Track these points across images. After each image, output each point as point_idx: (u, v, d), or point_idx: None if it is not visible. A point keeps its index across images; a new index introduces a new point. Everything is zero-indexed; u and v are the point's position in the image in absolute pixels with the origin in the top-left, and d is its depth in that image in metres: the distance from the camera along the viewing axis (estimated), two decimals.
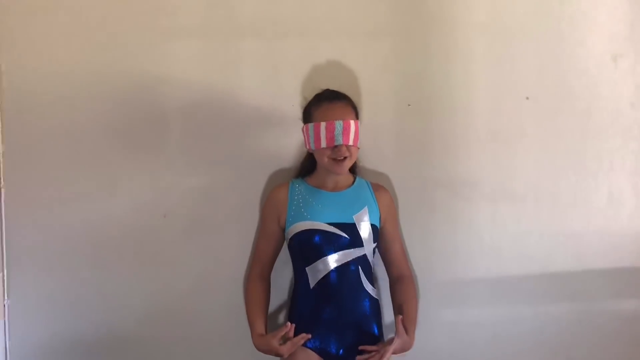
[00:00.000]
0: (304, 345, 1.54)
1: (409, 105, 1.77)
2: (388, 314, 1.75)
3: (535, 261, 1.82)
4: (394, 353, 1.51)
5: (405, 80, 1.77)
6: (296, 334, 1.53)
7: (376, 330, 1.63)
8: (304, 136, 1.63)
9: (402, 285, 1.67)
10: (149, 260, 1.76)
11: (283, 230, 1.65)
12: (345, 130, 1.53)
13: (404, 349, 1.55)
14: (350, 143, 1.55)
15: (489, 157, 1.79)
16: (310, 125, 1.57)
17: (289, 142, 1.75)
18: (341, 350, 1.58)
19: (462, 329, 1.82)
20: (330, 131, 1.53)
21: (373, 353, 1.50)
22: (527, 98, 1.79)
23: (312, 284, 1.59)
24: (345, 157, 1.56)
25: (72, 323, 1.77)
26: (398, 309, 1.63)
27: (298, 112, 1.71)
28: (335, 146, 1.54)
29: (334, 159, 1.56)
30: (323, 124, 1.53)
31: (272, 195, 1.68)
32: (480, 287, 1.81)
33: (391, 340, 1.51)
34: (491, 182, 1.80)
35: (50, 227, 1.74)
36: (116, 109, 1.73)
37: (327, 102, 1.58)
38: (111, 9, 1.71)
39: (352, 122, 1.54)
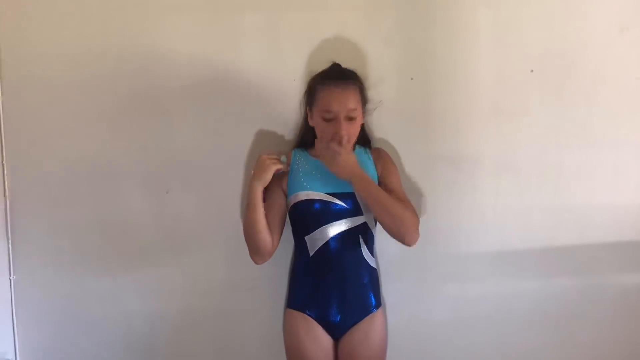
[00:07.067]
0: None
1: (412, 78, 1.74)
2: (386, 284, 1.77)
3: (538, 235, 1.81)
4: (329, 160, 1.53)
5: (409, 54, 1.75)
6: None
7: (373, 300, 1.64)
8: (307, 110, 1.62)
9: None
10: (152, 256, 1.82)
11: (287, 196, 1.63)
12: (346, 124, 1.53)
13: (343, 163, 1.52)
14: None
15: (493, 131, 1.77)
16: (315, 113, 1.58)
17: (290, 117, 1.73)
18: (338, 317, 1.60)
19: (465, 303, 1.83)
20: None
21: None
22: (532, 71, 1.76)
23: (311, 253, 1.60)
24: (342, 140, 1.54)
25: (72, 321, 1.85)
26: None
27: (299, 87, 1.70)
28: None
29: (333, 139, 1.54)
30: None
31: None
32: (484, 262, 1.81)
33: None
34: (495, 157, 1.78)
35: (58, 224, 1.79)
36: (116, 87, 1.72)
37: (332, 85, 1.55)
38: None
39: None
